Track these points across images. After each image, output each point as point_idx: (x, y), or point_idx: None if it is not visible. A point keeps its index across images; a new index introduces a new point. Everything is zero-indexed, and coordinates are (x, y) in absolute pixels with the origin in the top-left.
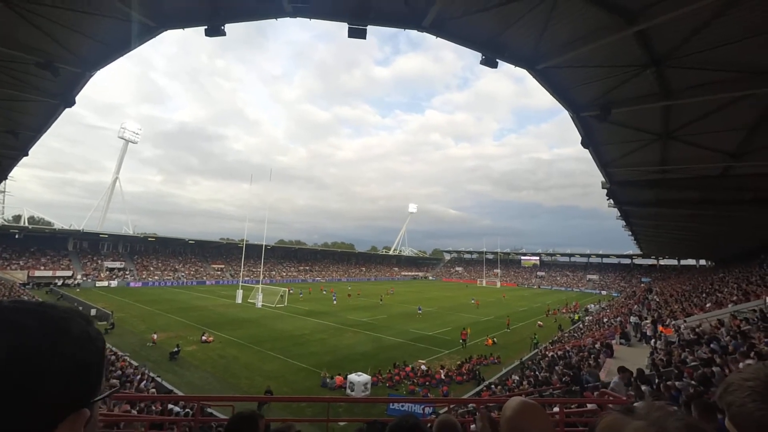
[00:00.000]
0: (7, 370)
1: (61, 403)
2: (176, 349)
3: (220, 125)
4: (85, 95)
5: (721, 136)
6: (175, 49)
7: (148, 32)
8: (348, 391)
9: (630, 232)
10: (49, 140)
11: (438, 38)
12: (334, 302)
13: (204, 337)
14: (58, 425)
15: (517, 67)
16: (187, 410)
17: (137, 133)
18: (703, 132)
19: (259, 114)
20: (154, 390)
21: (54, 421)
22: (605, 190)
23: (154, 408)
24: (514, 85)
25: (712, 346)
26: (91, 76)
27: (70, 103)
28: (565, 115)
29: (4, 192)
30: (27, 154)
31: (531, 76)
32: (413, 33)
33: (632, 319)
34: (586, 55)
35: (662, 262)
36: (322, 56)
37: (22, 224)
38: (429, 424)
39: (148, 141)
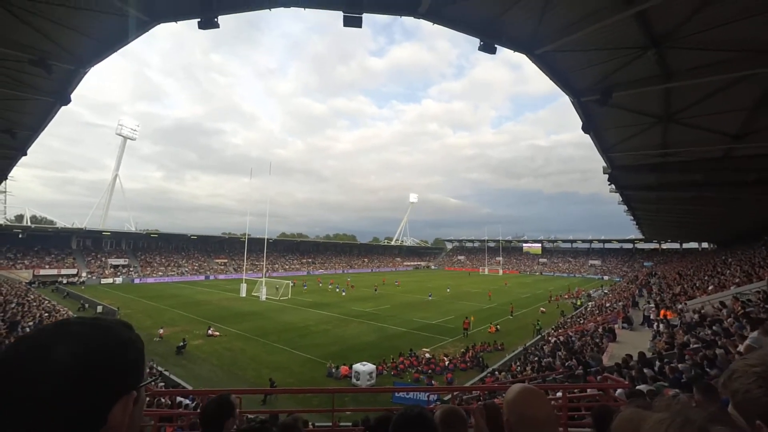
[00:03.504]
0: (72, 368)
1: (118, 388)
2: (182, 343)
3: (218, 120)
4: (81, 94)
5: (723, 117)
6: (169, 45)
7: (141, 26)
8: (353, 380)
9: (632, 217)
10: (48, 140)
11: (434, 25)
12: (343, 294)
13: (210, 331)
14: (116, 403)
15: (514, 53)
16: (196, 402)
17: (135, 130)
18: (704, 114)
19: (255, 108)
20: (162, 384)
21: (113, 401)
22: (606, 175)
23: (163, 401)
24: (511, 72)
25: (714, 328)
26: (85, 73)
27: (66, 100)
28: (562, 101)
29: (5, 192)
30: (26, 154)
31: (528, 63)
32: (408, 22)
33: (642, 305)
34: (586, 38)
35: (664, 246)
36: (316, 48)
37: (24, 224)
38: (434, 412)
39: (147, 138)
